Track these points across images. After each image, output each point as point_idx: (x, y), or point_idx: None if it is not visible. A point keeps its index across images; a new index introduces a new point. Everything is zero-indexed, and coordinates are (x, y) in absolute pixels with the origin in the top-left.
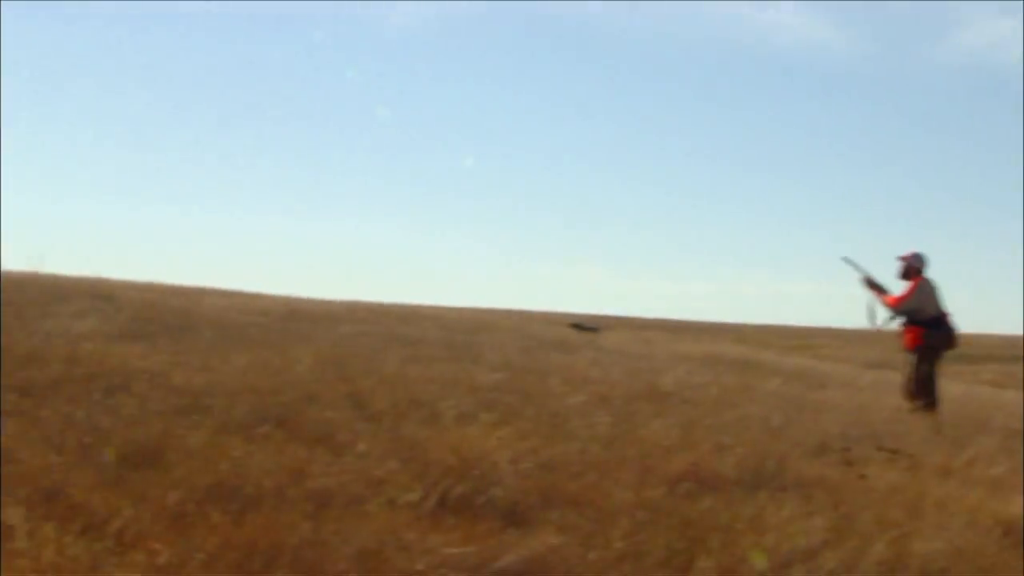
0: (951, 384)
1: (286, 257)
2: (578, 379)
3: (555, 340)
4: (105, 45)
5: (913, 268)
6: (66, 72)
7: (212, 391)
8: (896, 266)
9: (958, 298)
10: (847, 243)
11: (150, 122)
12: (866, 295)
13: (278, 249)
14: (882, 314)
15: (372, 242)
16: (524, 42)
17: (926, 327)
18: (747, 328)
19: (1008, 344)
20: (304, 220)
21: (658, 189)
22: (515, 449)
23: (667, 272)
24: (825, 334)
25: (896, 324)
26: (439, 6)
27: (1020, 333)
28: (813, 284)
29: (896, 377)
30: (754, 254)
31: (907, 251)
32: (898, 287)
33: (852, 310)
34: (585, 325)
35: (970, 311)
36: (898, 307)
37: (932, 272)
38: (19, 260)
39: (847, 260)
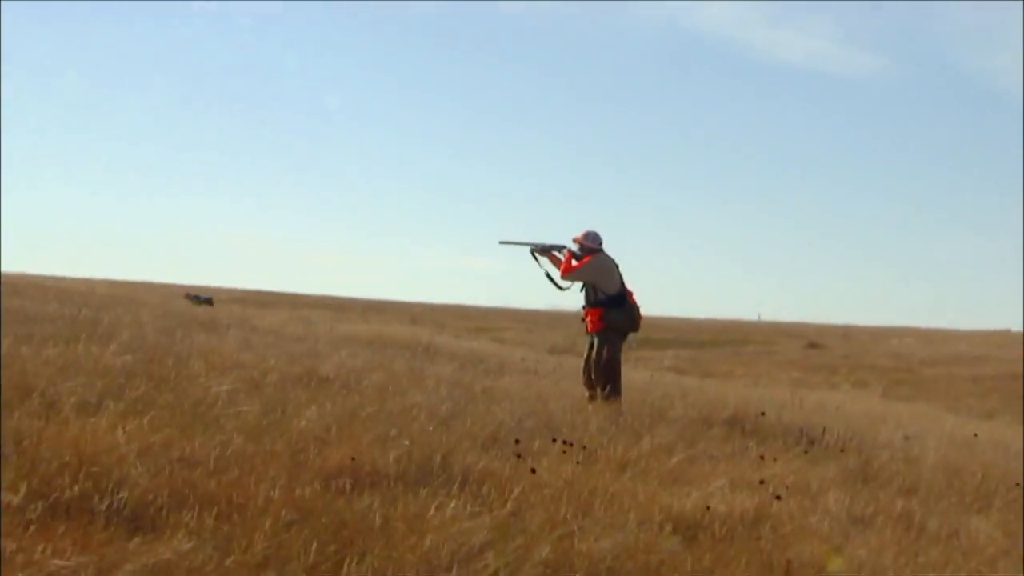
0: (635, 371)
1: None
2: (225, 363)
3: (202, 319)
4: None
5: (587, 248)
6: None
7: None
8: (574, 250)
9: (647, 279)
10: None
11: None
12: (544, 265)
13: None
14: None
15: None
16: None
17: (607, 307)
18: (422, 308)
19: (692, 328)
20: None
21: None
22: (146, 443)
23: (338, 245)
24: (507, 316)
25: (571, 293)
26: None
27: (702, 317)
28: (494, 260)
29: (579, 363)
30: (441, 228)
31: (580, 232)
32: None
33: (537, 292)
34: (201, 297)
35: (655, 294)
36: (569, 274)
37: (620, 251)
38: None
39: (505, 243)
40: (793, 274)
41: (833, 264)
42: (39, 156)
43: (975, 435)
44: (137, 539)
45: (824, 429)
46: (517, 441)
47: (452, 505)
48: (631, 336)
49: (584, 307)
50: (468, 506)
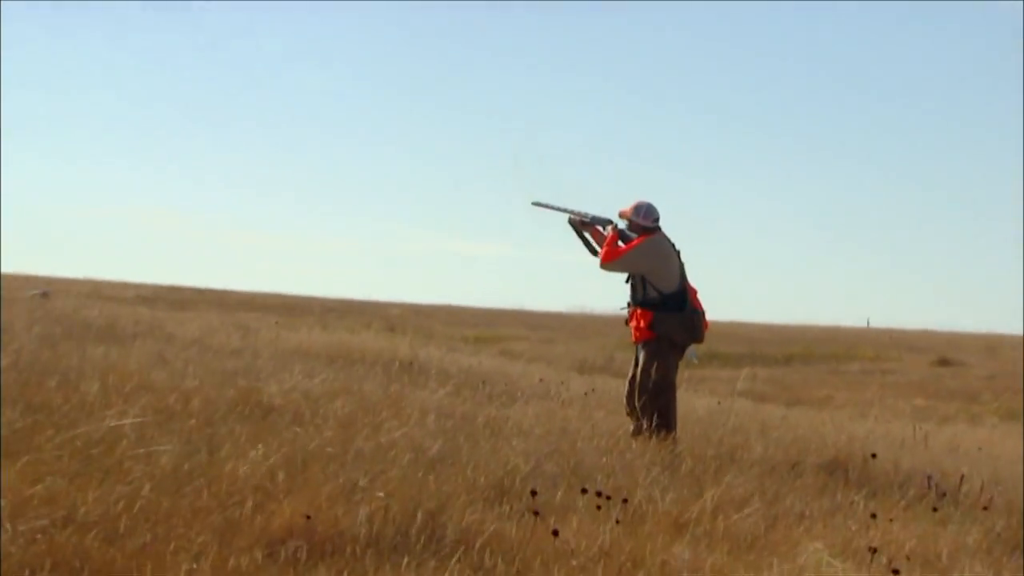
0: (696, 396)
1: None
2: (131, 385)
3: (98, 325)
4: None
5: (636, 226)
6: None
7: None
8: (622, 228)
9: (714, 271)
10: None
11: None
12: (585, 243)
13: None
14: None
15: None
16: None
17: (660, 308)
18: (402, 310)
19: (775, 338)
20: None
21: None
22: (20, 497)
23: (285, 225)
24: (518, 320)
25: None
26: None
27: (790, 323)
28: (502, 245)
29: (620, 386)
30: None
31: (628, 205)
32: None
33: (561, 287)
34: (45, 291)
35: (725, 292)
36: (610, 262)
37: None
38: None
39: (539, 204)
40: (917, 266)
41: (971, 254)
42: None
43: None
44: None
45: (961, 477)
46: (534, 492)
47: None
48: (691, 349)
49: (629, 308)
50: None
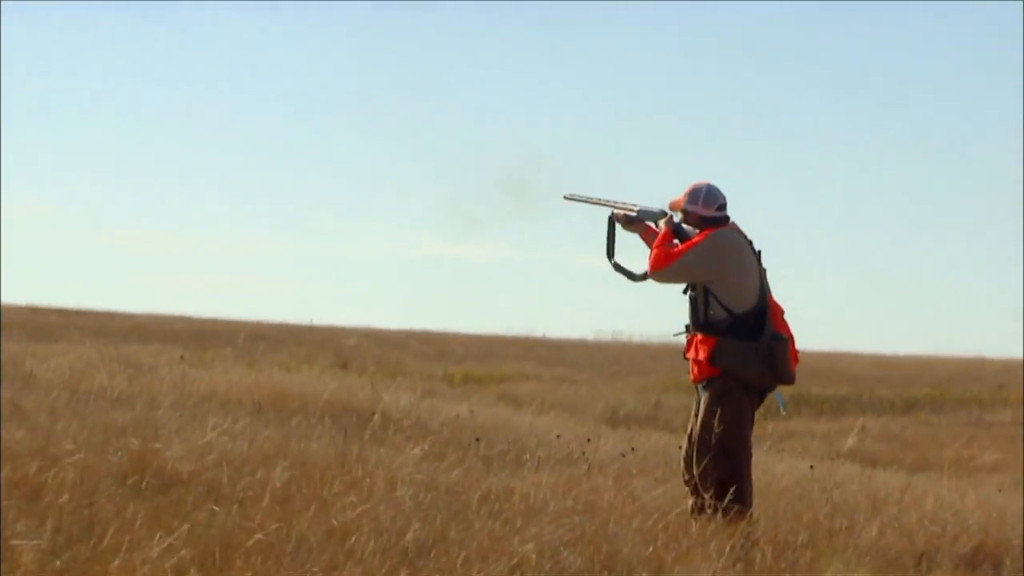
0: (780, 459)
1: None
2: None
3: None
4: None
5: (696, 216)
6: None
7: None
8: (678, 222)
9: (805, 286)
10: None
11: None
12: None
13: None
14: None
15: None
16: None
17: (727, 334)
18: (360, 338)
19: (891, 374)
20: None
21: None
22: None
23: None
24: (526, 352)
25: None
26: None
27: (910, 353)
28: (503, 247)
29: (672, 444)
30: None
31: (681, 193)
32: None
33: (587, 307)
34: None
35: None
36: (661, 269)
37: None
38: None
39: (572, 198)
40: None
41: None
42: None
43: None
44: None
45: None
46: None
47: None
48: (776, 393)
49: (687, 332)
50: None
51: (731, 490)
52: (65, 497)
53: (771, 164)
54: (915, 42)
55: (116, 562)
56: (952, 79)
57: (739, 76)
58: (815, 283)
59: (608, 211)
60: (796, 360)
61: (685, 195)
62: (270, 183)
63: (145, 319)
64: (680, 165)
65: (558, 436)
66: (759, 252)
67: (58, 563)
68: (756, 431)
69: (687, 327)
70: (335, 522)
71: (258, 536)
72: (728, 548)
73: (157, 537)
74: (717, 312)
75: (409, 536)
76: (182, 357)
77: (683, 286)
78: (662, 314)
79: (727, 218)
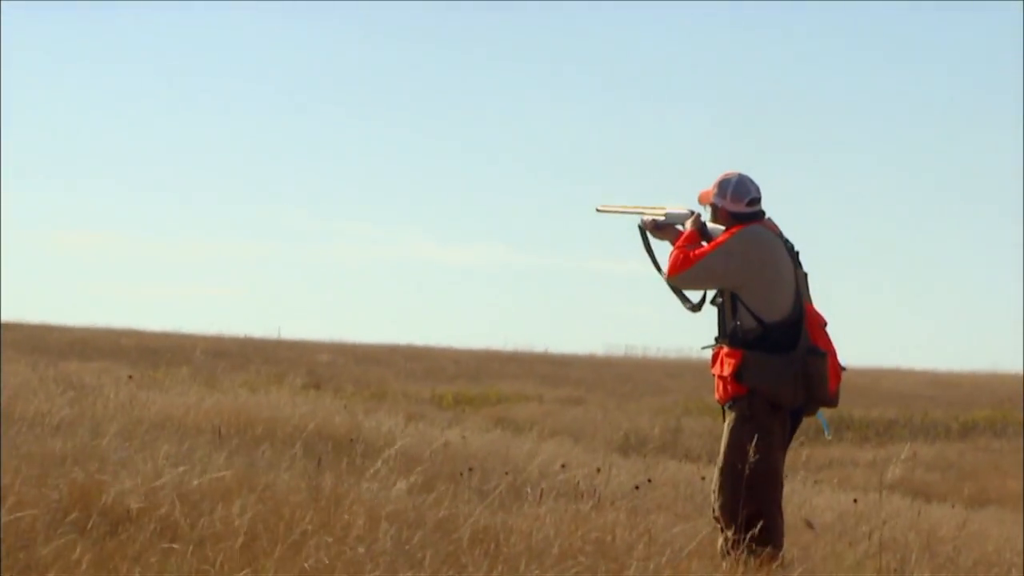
0: (819, 492)
1: None
2: None
3: None
4: None
5: (724, 212)
6: None
7: None
8: (706, 220)
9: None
10: None
11: None
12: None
13: None
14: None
15: None
16: None
17: (757, 347)
18: (334, 353)
19: (945, 395)
20: None
21: None
22: None
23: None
24: (527, 370)
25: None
26: None
27: (966, 370)
28: (500, 248)
29: (695, 474)
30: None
31: (710, 184)
32: None
33: (585, 316)
34: None
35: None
36: (682, 272)
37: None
38: None
39: (605, 210)
40: None
41: None
42: None
43: None
44: None
45: None
46: None
47: None
48: (819, 414)
49: (715, 345)
50: None
51: (759, 525)
52: None
53: (817, 161)
54: (971, 44)
55: None
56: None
57: (802, 71)
58: (860, 291)
59: (636, 219)
60: (838, 378)
61: (714, 187)
62: (230, 179)
63: (87, 333)
64: (719, 157)
65: (563, 466)
66: (797, 254)
67: None
68: (789, 458)
69: (716, 339)
70: (307, 565)
71: None
72: None
73: None
74: (746, 321)
75: None
76: (130, 377)
77: (711, 295)
78: (684, 326)
79: (761, 214)
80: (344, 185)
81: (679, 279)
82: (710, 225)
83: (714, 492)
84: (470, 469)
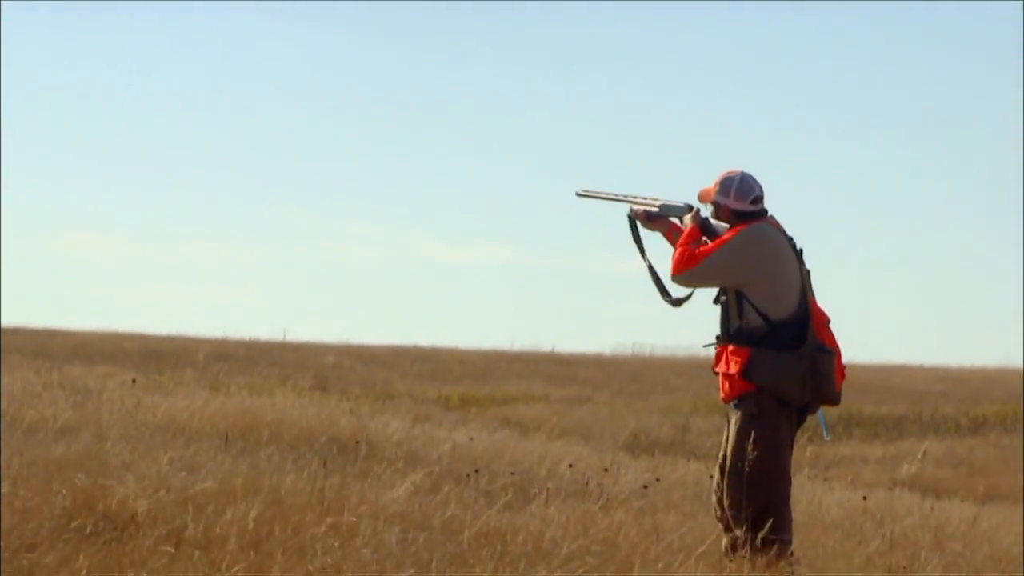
0: (828, 490)
1: None
2: None
3: None
4: None
5: (727, 210)
6: None
7: None
8: (706, 217)
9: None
10: None
11: None
12: (649, 255)
13: None
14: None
15: None
16: None
17: (763, 344)
18: (339, 354)
19: (955, 389)
20: None
21: None
22: None
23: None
24: (533, 369)
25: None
26: None
27: (975, 364)
28: (504, 246)
29: (702, 473)
30: None
31: (712, 182)
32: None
33: (603, 318)
34: None
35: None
36: (686, 271)
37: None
38: None
39: (586, 195)
40: None
41: None
42: None
43: None
44: None
45: None
46: None
47: None
48: (819, 414)
49: (717, 343)
50: None
51: (767, 524)
52: (1, 546)
53: (813, 153)
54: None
55: None
56: None
57: (796, 60)
58: (865, 286)
59: (626, 208)
60: (842, 376)
61: (716, 185)
62: (233, 178)
63: (90, 337)
64: (720, 155)
65: (570, 466)
66: (800, 251)
67: None
68: (795, 455)
69: (718, 338)
70: (313, 568)
71: None
72: None
73: None
74: (752, 319)
75: None
76: (134, 380)
77: (713, 293)
78: (690, 324)
79: (764, 212)
80: (349, 185)
81: (685, 277)
82: (713, 222)
83: (720, 491)
84: (476, 470)
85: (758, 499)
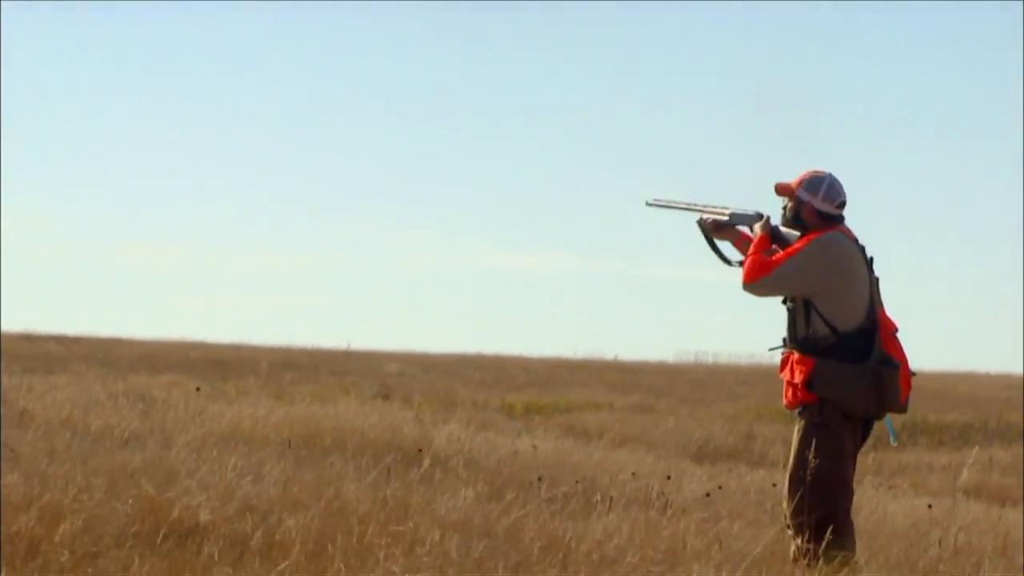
0: (893, 498)
1: None
2: None
3: None
4: None
5: (810, 209)
6: None
7: None
8: (777, 224)
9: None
10: None
11: None
12: (722, 252)
13: None
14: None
15: None
16: None
17: (829, 355)
18: (403, 363)
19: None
20: None
21: None
22: None
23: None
24: (597, 377)
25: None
26: None
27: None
28: (566, 253)
29: (767, 481)
30: None
31: (794, 178)
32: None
33: (653, 322)
34: None
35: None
36: (758, 280)
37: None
38: None
39: (657, 204)
40: None
41: None
42: None
43: None
44: None
45: None
46: None
47: None
48: (887, 420)
49: (783, 348)
50: None
51: (826, 531)
52: (66, 554)
53: (885, 155)
54: None
55: None
56: None
57: (872, 62)
58: (936, 294)
59: (694, 217)
60: (908, 386)
61: (800, 181)
62: (297, 189)
63: (156, 346)
64: (795, 160)
65: (633, 474)
66: (871, 259)
67: None
68: (858, 464)
69: (784, 340)
70: None
71: None
72: None
73: None
74: (819, 329)
75: None
76: (199, 389)
77: (782, 298)
78: (755, 330)
79: (843, 218)
80: (411, 194)
81: (756, 285)
82: (783, 229)
83: (785, 499)
84: (539, 478)
85: (819, 508)
